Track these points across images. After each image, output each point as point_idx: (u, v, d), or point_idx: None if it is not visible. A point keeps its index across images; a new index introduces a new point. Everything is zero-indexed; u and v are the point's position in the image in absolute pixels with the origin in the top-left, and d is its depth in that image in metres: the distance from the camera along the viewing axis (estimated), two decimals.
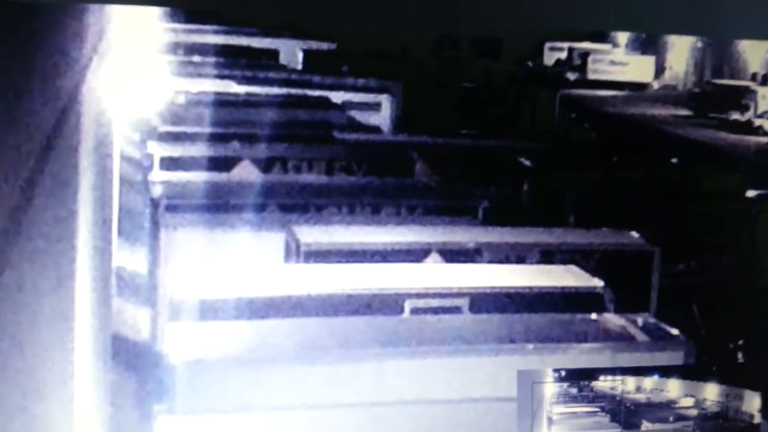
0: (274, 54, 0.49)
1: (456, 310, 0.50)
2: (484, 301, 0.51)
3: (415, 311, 0.49)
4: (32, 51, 0.42)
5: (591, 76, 0.56)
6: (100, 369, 0.43)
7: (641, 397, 0.53)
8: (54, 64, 0.43)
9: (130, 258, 0.44)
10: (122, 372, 0.43)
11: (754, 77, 0.60)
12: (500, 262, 0.52)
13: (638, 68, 0.57)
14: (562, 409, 0.51)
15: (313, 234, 0.48)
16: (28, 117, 0.42)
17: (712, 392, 0.54)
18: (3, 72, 0.42)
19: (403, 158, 0.51)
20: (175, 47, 0.46)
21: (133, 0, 0.45)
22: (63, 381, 0.41)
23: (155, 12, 0.45)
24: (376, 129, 0.51)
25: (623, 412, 0.52)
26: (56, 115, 0.42)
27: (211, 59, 0.47)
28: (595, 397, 0.52)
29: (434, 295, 0.50)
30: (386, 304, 0.49)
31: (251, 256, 0.47)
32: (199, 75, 0.47)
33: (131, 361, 0.43)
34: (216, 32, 0.47)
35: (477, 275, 0.51)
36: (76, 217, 0.42)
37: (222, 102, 0.47)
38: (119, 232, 0.44)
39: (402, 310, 0.49)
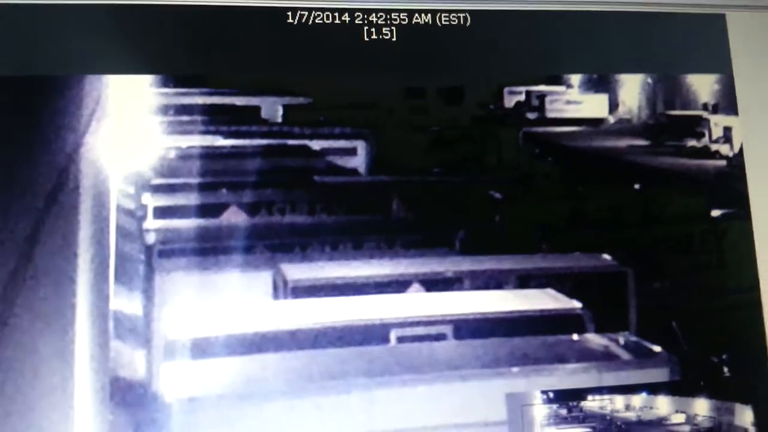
0: (255, 110, 0.53)
1: (441, 337, 0.52)
2: (468, 327, 0.53)
3: (401, 340, 0.51)
4: (36, 118, 0.47)
5: (549, 114, 0.60)
6: (99, 410, 0.44)
7: (631, 416, 0.54)
8: (55, 129, 0.47)
9: (126, 302, 0.47)
10: (120, 412, 0.45)
11: (705, 107, 0.64)
12: (479, 288, 0.54)
13: (593, 105, 0.62)
14: (553, 430, 0.52)
15: (299, 271, 0.51)
16: (32, 177, 0.46)
17: (702, 407, 0.55)
18: (10, 137, 0.47)
19: (381, 197, 0.54)
20: (165, 108, 0.51)
21: (127, 69, 0.50)
22: (63, 422, 0.43)
23: (147, 79, 0.51)
24: (353, 171, 0.55)
25: (614, 431, 0.53)
26: (57, 175, 0.46)
27: (199, 117, 0.52)
28: (585, 417, 0.53)
29: (419, 323, 0.52)
30: (373, 334, 0.51)
31: (242, 295, 0.50)
32: (188, 132, 0.51)
33: (129, 401, 0.45)
34: (202, 94, 0.52)
35: (459, 302, 0.53)
36: (76, 266, 0.46)
37: (209, 155, 0.51)
38: (116, 278, 0.46)
39: (388, 340, 0.51)
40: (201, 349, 0.47)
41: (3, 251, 0.44)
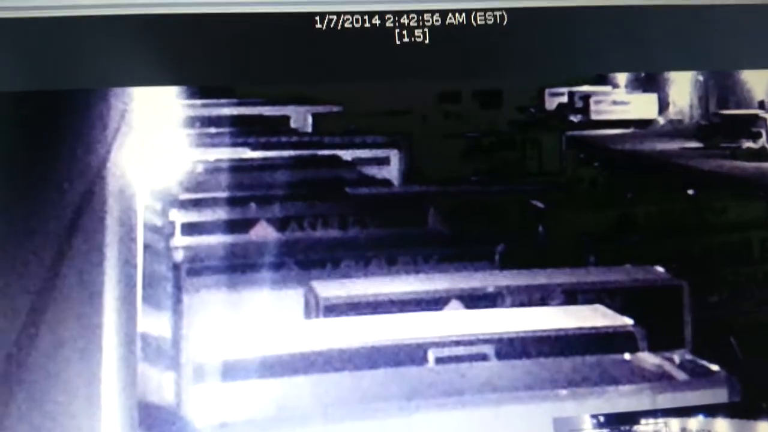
0: (284, 120, 0.52)
1: (482, 357, 0.49)
2: (511, 347, 0.50)
3: (439, 360, 0.49)
4: (61, 133, 0.46)
5: (594, 117, 0.57)
6: None
7: None
8: (80, 144, 0.46)
9: (154, 323, 0.45)
10: None
11: (761, 105, 0.60)
12: (522, 305, 0.51)
13: (641, 106, 0.58)
14: None
15: (331, 288, 0.49)
16: (57, 194, 0.45)
17: (766, 431, 0.51)
18: (34, 153, 0.46)
19: (416, 208, 0.52)
20: (192, 121, 0.49)
21: (152, 81, 0.49)
22: None
23: (173, 90, 0.49)
24: (386, 182, 0.52)
25: None
26: (83, 190, 0.45)
27: (226, 129, 0.50)
28: None
29: (458, 343, 0.49)
30: (410, 354, 0.48)
31: (272, 314, 0.48)
32: (216, 144, 0.49)
33: (158, 426, 0.43)
34: (229, 104, 0.50)
35: (500, 320, 0.50)
36: (102, 286, 0.44)
37: (238, 168, 0.50)
38: (144, 298, 0.45)
39: (426, 360, 0.48)
40: (231, 371, 0.46)
41: (29, 271, 0.43)
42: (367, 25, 0.53)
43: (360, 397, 0.46)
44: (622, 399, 0.49)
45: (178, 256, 0.47)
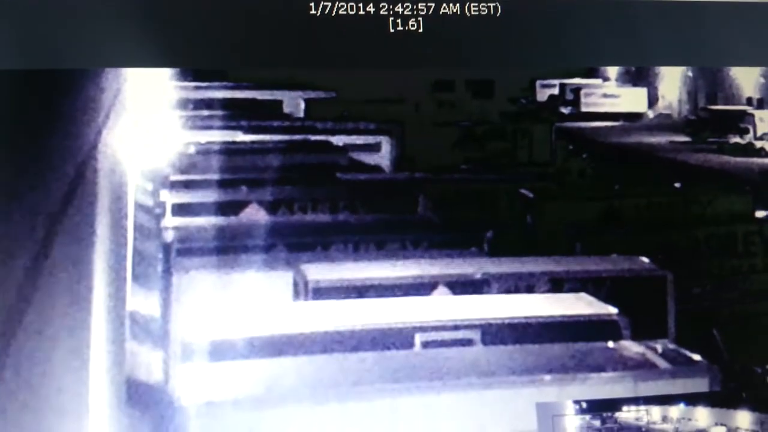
0: (277, 104, 0.52)
1: (468, 342, 0.50)
2: (496, 333, 0.50)
3: (426, 345, 0.49)
4: (53, 112, 0.46)
5: (584, 109, 0.58)
6: (115, 412, 0.43)
7: (668, 428, 0.51)
8: (72, 124, 0.46)
9: (143, 302, 0.46)
10: (136, 415, 0.43)
11: (749, 101, 0.61)
12: (509, 292, 0.52)
13: (631, 99, 0.59)
14: None
15: (320, 271, 0.49)
16: (48, 172, 0.45)
17: (744, 420, 0.52)
18: (26, 133, 0.46)
19: (406, 195, 0.52)
20: (185, 103, 0.49)
21: (146, 62, 0.49)
22: (78, 424, 0.42)
23: (166, 72, 0.49)
24: (377, 168, 0.53)
25: None
26: (74, 171, 0.45)
27: (219, 112, 0.50)
28: (620, 429, 0.50)
29: (444, 328, 0.50)
30: (397, 338, 0.49)
31: (261, 296, 0.48)
32: (208, 127, 0.50)
33: (145, 404, 0.44)
34: (222, 88, 0.51)
35: (487, 306, 0.51)
36: (92, 264, 0.44)
37: (229, 150, 0.50)
38: (133, 277, 0.45)
39: (413, 344, 0.49)
40: (219, 351, 0.46)
41: (19, 250, 0.43)
42: (361, 12, 0.53)
43: (347, 379, 0.47)
44: (604, 386, 0.50)
45: (169, 236, 0.47)
